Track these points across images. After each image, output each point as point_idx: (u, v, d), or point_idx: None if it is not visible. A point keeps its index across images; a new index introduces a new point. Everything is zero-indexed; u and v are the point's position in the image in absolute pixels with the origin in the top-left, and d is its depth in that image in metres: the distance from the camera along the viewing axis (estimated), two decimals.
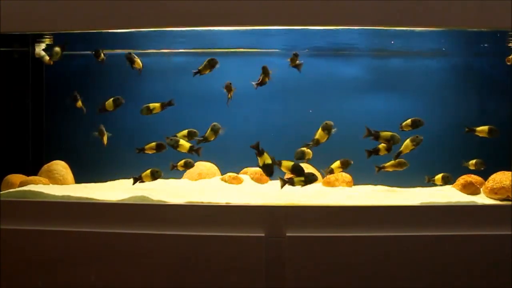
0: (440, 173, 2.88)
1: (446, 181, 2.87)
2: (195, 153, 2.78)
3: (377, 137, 2.75)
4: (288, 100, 3.30)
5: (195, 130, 2.83)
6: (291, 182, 2.55)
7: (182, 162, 2.84)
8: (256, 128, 3.28)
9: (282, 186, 2.57)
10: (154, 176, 2.79)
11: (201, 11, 2.40)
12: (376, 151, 2.83)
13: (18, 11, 2.49)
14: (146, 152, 2.82)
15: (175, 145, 2.76)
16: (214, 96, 2.86)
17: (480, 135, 2.86)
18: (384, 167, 2.87)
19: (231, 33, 2.77)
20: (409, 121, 2.79)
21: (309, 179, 2.55)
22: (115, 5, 2.44)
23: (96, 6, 2.45)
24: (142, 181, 2.81)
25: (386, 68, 3.38)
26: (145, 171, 2.79)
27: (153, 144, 2.80)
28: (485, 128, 2.85)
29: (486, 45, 3.10)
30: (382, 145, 2.82)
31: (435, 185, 2.92)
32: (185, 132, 2.83)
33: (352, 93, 3.32)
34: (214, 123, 2.79)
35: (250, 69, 2.85)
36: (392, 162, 2.85)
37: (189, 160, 2.84)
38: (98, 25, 2.50)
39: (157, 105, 2.84)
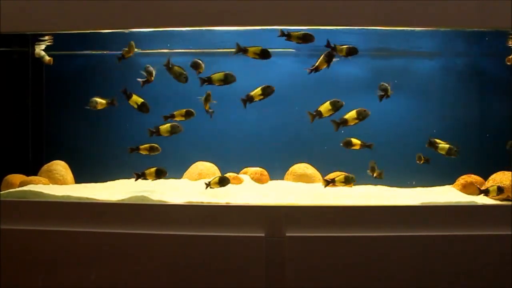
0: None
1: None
2: None
3: None
4: (288, 100, 3.29)
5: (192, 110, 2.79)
6: None
7: (147, 145, 2.77)
8: (257, 128, 3.28)
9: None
10: (159, 176, 2.74)
11: (201, 11, 2.40)
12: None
13: (18, 11, 2.49)
14: (211, 187, 2.73)
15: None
16: (214, 96, 2.85)
17: (439, 152, 2.78)
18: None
19: (231, 33, 2.76)
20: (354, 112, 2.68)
21: None
22: (115, 5, 2.44)
23: (96, 6, 2.45)
24: (145, 179, 2.76)
25: (389, 68, 3.37)
26: (149, 168, 2.74)
27: (217, 178, 2.71)
28: (445, 146, 2.77)
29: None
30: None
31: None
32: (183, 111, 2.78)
33: (352, 93, 3.32)
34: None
35: (251, 69, 2.85)
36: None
37: (155, 145, 2.77)
38: (98, 25, 2.50)
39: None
